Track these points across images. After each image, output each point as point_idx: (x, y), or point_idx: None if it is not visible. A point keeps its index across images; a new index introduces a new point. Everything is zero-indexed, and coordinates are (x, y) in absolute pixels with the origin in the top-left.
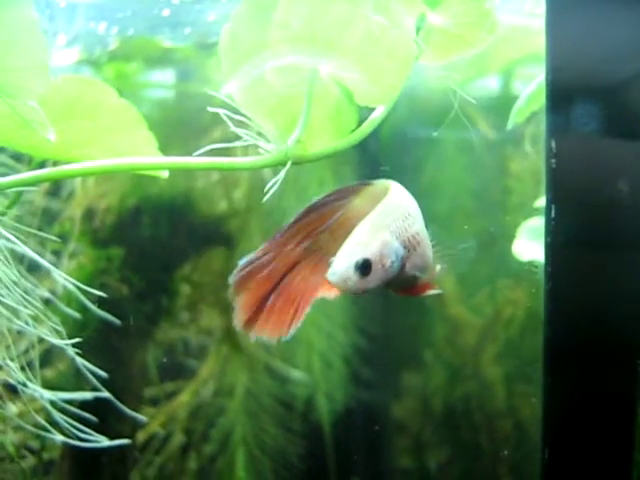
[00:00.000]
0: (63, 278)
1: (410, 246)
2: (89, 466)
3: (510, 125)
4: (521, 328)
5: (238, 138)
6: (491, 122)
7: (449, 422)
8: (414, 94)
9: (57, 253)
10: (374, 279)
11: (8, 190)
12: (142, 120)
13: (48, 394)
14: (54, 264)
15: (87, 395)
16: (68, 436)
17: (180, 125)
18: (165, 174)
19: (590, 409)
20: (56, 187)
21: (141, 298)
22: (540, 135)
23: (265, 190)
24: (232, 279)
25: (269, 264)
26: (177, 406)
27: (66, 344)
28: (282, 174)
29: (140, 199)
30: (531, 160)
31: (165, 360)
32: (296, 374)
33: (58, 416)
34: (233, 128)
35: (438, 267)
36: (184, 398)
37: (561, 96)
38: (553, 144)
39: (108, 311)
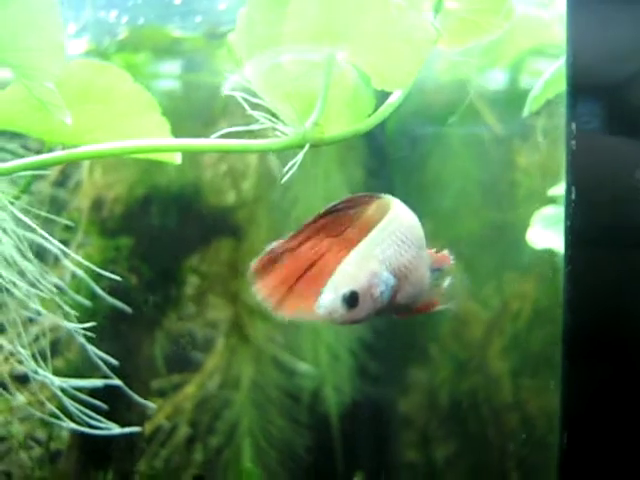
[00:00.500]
0: (72, 266)
1: (401, 275)
2: (97, 456)
3: (526, 112)
4: (529, 321)
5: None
6: (499, 116)
7: (456, 416)
8: (423, 87)
9: (65, 243)
10: (363, 310)
11: (20, 174)
12: (156, 105)
13: (58, 381)
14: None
15: (97, 382)
16: (78, 423)
17: (189, 116)
18: (178, 159)
19: (609, 394)
20: (64, 177)
21: (150, 288)
22: (550, 128)
23: (281, 175)
24: (256, 262)
25: (296, 250)
26: (184, 398)
27: (76, 329)
28: (300, 156)
29: (149, 189)
30: (540, 154)
31: (173, 351)
32: (303, 366)
33: (69, 403)
34: (250, 111)
35: (447, 281)
36: (191, 389)
37: (582, 79)
38: (573, 126)
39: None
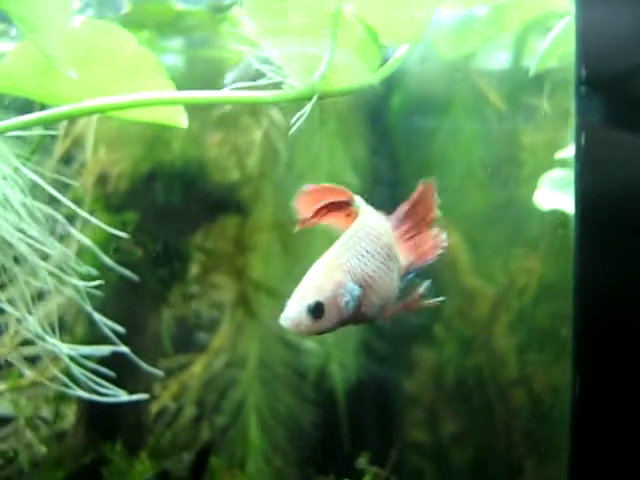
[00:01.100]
0: (80, 235)
1: (366, 285)
2: (104, 429)
3: (533, 72)
4: (535, 297)
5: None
6: (502, 95)
7: (462, 392)
8: (425, 67)
9: (70, 218)
10: (328, 321)
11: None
12: (161, 67)
13: (67, 349)
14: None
15: (105, 350)
16: (87, 391)
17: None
18: (184, 123)
19: (621, 349)
20: (68, 157)
21: (155, 263)
22: (554, 107)
23: (291, 125)
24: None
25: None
26: (190, 376)
27: (84, 298)
28: (308, 107)
29: (153, 165)
30: (544, 132)
31: (179, 328)
32: (309, 344)
33: (77, 371)
34: (258, 65)
35: (425, 284)
36: (197, 368)
37: (591, 26)
38: (583, 71)
39: (122, 276)
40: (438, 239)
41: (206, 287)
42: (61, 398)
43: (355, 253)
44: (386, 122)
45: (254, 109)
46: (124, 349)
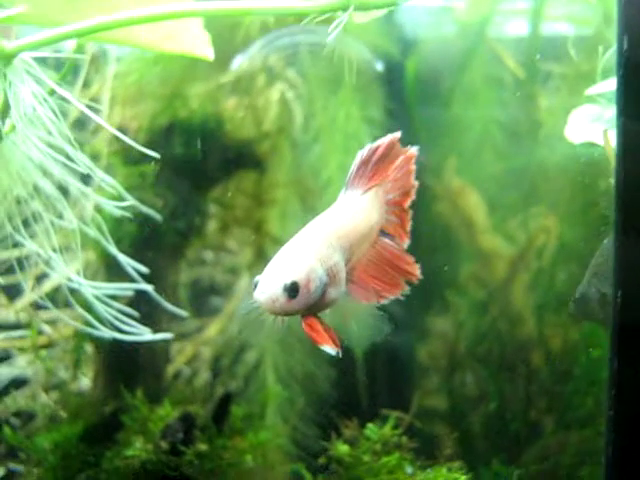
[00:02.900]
0: (101, 174)
1: (331, 275)
2: (124, 377)
3: None
4: (553, 258)
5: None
6: (520, 61)
7: (481, 351)
8: (441, 34)
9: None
10: (299, 302)
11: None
12: None
13: (89, 286)
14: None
15: (128, 286)
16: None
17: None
18: (210, 55)
19: None
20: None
21: (174, 215)
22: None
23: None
24: None
25: None
26: (205, 338)
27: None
28: (345, 17)
29: (171, 120)
30: (560, 96)
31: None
32: None
33: (101, 308)
34: None
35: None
36: (212, 330)
37: None
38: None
39: (141, 227)
40: (412, 269)
41: (223, 240)
42: (80, 348)
43: (325, 243)
44: (402, 86)
45: (272, 70)
46: (148, 287)
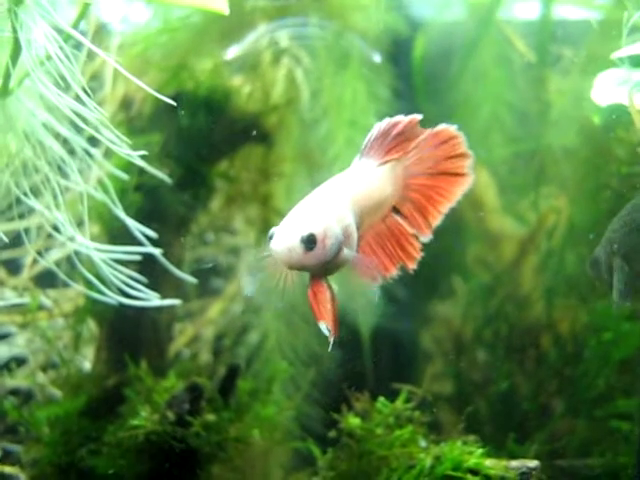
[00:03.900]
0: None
1: (346, 235)
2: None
3: None
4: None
5: None
6: (529, 44)
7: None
8: (449, 12)
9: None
10: (315, 257)
11: None
12: None
13: (96, 251)
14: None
15: (134, 249)
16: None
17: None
18: (226, 9)
19: None
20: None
21: (179, 186)
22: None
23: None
24: None
25: None
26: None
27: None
28: None
29: (177, 90)
30: (570, 79)
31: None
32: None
33: (107, 271)
34: None
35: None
36: (213, 312)
37: None
38: None
39: (146, 198)
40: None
41: (230, 213)
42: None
43: (340, 205)
44: (409, 65)
45: (278, 49)
46: (156, 251)
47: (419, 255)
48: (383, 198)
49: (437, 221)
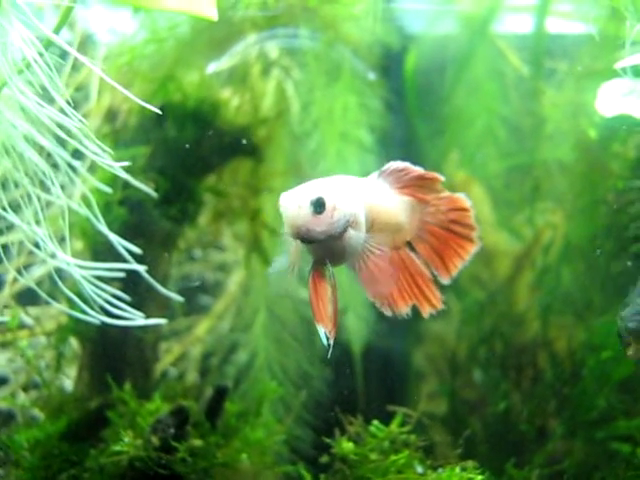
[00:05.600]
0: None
1: (352, 221)
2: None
3: None
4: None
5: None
6: (523, 57)
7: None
8: (441, 26)
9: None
10: (322, 223)
11: None
12: None
13: (78, 267)
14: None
15: (118, 266)
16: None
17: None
18: (215, 15)
19: None
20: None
21: (166, 201)
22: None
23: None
24: None
25: None
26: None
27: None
28: None
29: (164, 102)
30: (565, 93)
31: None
32: None
33: (89, 288)
34: None
35: None
36: (200, 330)
37: None
38: None
39: (131, 213)
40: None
41: (218, 228)
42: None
43: (355, 195)
44: (400, 80)
45: (268, 61)
46: (140, 267)
47: (439, 302)
48: (396, 222)
49: (455, 270)
